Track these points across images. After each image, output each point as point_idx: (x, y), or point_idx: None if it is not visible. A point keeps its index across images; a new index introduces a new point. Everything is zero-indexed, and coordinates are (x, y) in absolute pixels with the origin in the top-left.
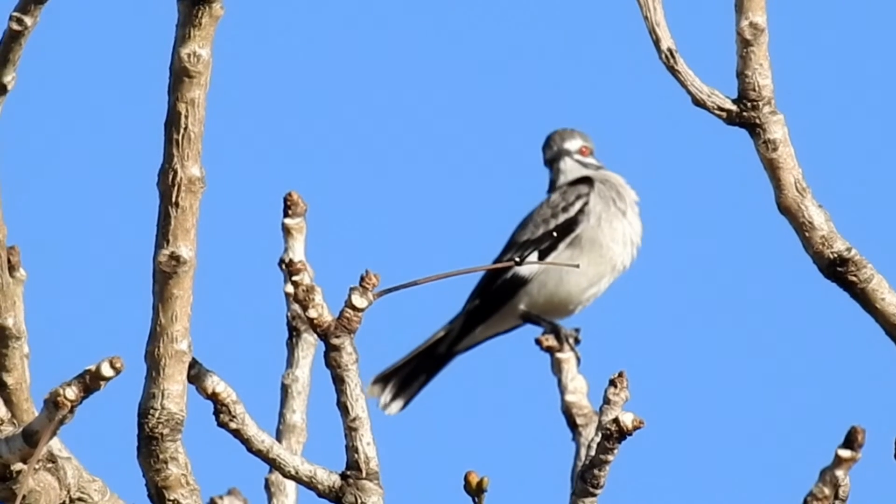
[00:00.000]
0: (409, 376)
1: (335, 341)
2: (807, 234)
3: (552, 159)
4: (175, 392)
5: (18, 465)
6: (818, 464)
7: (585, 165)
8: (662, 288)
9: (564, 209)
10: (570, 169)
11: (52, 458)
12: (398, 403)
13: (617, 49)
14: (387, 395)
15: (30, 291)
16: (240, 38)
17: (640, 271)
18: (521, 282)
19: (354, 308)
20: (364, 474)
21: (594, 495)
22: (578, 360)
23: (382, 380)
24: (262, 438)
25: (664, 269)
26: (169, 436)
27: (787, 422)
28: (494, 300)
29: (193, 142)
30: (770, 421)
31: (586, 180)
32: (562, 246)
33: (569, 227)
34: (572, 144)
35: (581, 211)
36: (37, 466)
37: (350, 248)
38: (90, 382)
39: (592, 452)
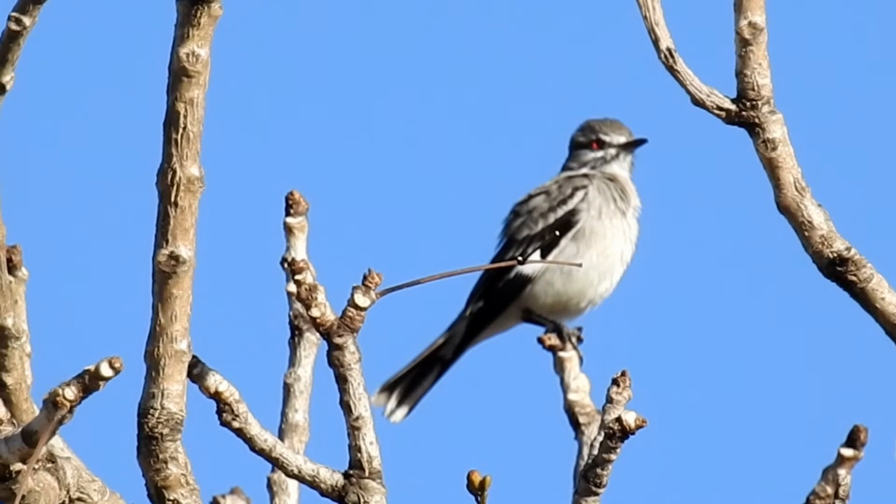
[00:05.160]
0: (413, 383)
1: (338, 340)
2: (806, 234)
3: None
4: (175, 392)
5: (18, 466)
6: (820, 463)
7: (585, 162)
8: (663, 287)
9: (563, 202)
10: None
11: (51, 458)
12: (403, 410)
13: (616, 48)
14: (392, 403)
15: (31, 290)
16: (238, 38)
17: (641, 271)
18: (525, 281)
19: (357, 307)
20: (367, 473)
21: (597, 494)
22: (581, 358)
23: (388, 388)
24: (265, 437)
25: (664, 268)
26: (169, 435)
27: (788, 421)
28: (499, 302)
29: (192, 141)
30: (771, 420)
31: (585, 175)
32: (565, 241)
33: (569, 221)
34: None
35: (582, 201)
36: (36, 466)
37: (352, 247)
38: (89, 382)
39: (595, 451)
